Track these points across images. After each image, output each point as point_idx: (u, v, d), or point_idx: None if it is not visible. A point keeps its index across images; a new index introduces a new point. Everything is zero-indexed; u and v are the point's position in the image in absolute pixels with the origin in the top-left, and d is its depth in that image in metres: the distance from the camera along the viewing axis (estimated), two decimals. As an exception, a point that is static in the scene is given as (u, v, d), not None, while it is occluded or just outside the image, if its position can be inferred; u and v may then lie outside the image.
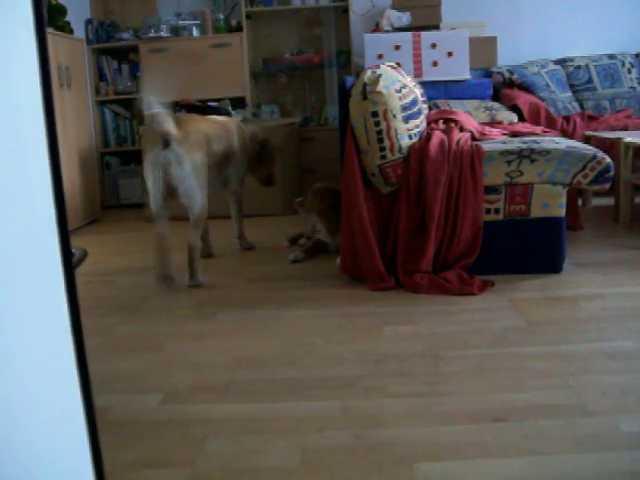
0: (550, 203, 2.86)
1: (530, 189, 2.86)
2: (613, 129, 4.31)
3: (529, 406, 1.75)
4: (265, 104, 5.46)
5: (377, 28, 4.79)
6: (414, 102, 3.00)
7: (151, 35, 5.15)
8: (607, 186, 2.89)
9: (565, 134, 4.02)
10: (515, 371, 1.97)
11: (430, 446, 1.59)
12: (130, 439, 1.70)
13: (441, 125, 3.24)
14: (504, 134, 3.34)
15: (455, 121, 3.27)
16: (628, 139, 3.61)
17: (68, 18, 4.68)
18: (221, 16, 5.25)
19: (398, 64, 3.27)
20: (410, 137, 2.92)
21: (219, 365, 2.15)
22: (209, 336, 2.43)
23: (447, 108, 3.95)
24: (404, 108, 2.89)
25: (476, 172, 2.84)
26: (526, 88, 4.67)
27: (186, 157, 2.91)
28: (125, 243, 4.08)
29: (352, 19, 5.19)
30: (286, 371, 2.08)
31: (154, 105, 2.79)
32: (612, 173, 2.86)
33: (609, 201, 4.08)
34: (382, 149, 2.84)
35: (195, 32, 5.22)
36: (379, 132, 2.82)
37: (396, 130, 2.84)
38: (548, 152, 2.82)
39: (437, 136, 2.96)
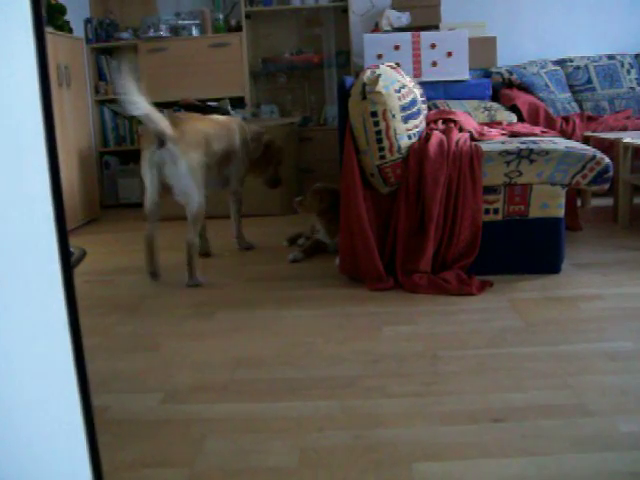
0: (549, 203, 2.86)
1: (529, 189, 2.86)
2: (612, 130, 4.31)
3: (528, 406, 1.75)
4: (264, 104, 5.46)
5: (376, 28, 4.79)
6: (413, 102, 3.00)
7: (150, 35, 5.15)
8: (606, 186, 2.89)
9: (564, 134, 4.02)
10: (514, 371, 1.97)
11: (429, 446, 1.59)
12: (129, 439, 1.69)
13: (440, 125, 3.24)
14: (503, 134, 3.34)
15: (454, 121, 3.27)
16: (627, 140, 3.61)
17: (67, 17, 4.68)
18: (220, 16, 5.25)
19: (397, 64, 3.27)
20: (409, 137, 2.92)
21: (218, 365, 2.15)
22: (208, 336, 2.43)
23: (446, 108, 3.95)
24: (403, 108, 2.89)
25: (475, 172, 2.84)
26: (525, 88, 4.67)
27: (181, 156, 2.92)
28: (124, 243, 4.08)
29: (351, 19, 5.19)
30: (285, 371, 2.07)
31: (142, 105, 2.77)
32: (611, 173, 2.86)
33: (608, 201, 4.08)
34: (381, 149, 2.84)
35: (194, 32, 5.22)
36: (378, 132, 2.82)
37: (395, 130, 2.84)
38: (547, 152, 2.82)
39: (436, 136, 2.96)
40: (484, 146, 2.90)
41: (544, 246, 2.90)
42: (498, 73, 4.71)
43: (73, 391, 0.76)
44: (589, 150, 2.88)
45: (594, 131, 4.29)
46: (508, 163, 2.84)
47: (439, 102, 4.12)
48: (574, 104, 4.83)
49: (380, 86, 2.79)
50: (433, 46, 4.23)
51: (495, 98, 4.48)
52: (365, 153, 2.88)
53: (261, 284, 3.04)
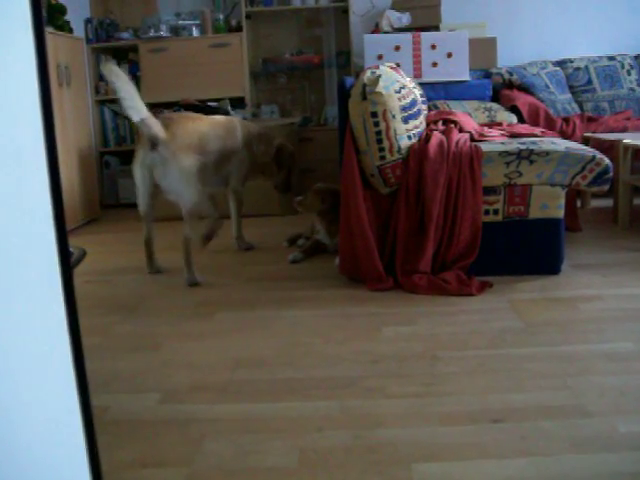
0: (549, 204, 2.86)
1: (529, 190, 2.86)
2: (612, 130, 4.31)
3: (528, 407, 1.75)
4: (265, 104, 5.46)
5: (377, 29, 4.79)
6: (413, 103, 3.00)
7: (151, 35, 5.15)
8: (606, 187, 2.89)
9: (564, 135, 4.02)
10: (514, 372, 1.97)
11: (428, 446, 1.59)
12: (128, 439, 1.69)
13: (440, 126, 3.24)
14: (503, 135, 3.34)
15: (454, 122, 3.28)
16: (627, 140, 3.61)
17: (68, 17, 4.68)
18: (221, 16, 5.25)
19: (398, 65, 3.28)
20: (409, 138, 2.92)
21: (217, 365, 2.15)
22: (207, 336, 2.43)
23: (446, 109, 3.95)
24: (403, 109, 2.89)
25: (475, 173, 2.84)
26: (525, 89, 4.67)
27: (171, 159, 2.98)
28: (124, 242, 4.08)
29: (352, 19, 5.19)
30: (285, 371, 2.07)
31: (142, 110, 2.88)
32: (611, 174, 2.86)
33: (608, 202, 4.08)
34: (381, 150, 2.84)
35: (195, 32, 5.22)
36: (378, 133, 2.82)
37: (395, 131, 2.84)
38: (547, 153, 2.82)
39: (436, 137, 2.96)
40: (484, 147, 2.90)
41: (544, 247, 2.90)
42: (498, 74, 4.71)
43: (72, 391, 0.76)
44: (589, 151, 2.88)
45: (594, 132, 4.29)
46: (508, 164, 2.84)
47: (439, 103, 4.12)
48: (574, 105, 4.83)
49: (380, 87, 2.79)
50: (433, 47, 4.23)
51: (495, 99, 4.48)
52: (365, 153, 2.88)
53: (261, 284, 3.04)
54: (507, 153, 2.84)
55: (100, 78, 5.42)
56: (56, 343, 0.74)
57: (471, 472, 1.48)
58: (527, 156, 2.82)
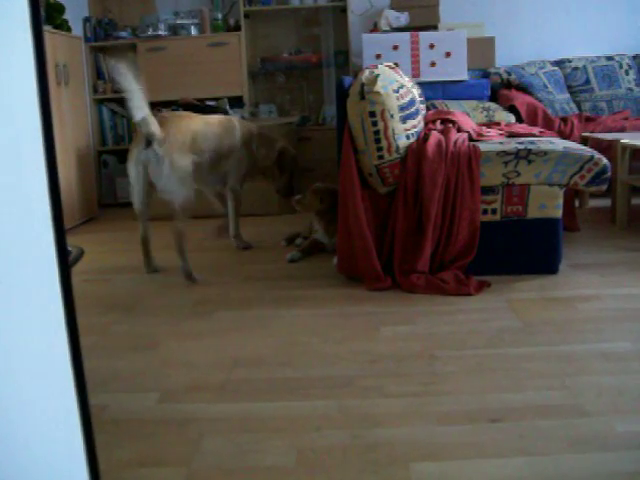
0: (547, 204, 2.87)
1: (527, 190, 2.86)
2: (610, 130, 4.31)
3: (525, 406, 1.75)
4: (263, 103, 5.46)
5: (375, 28, 4.79)
6: (412, 102, 3.00)
7: (149, 34, 5.14)
8: (604, 187, 2.89)
9: (562, 135, 4.02)
10: (512, 371, 1.98)
11: (426, 446, 1.59)
12: (126, 438, 1.69)
13: (439, 125, 3.24)
14: (501, 135, 3.34)
15: (452, 122, 3.28)
16: (625, 140, 3.61)
17: (66, 16, 4.67)
18: (219, 15, 5.25)
19: (396, 64, 3.27)
20: (407, 137, 2.92)
21: (215, 364, 2.15)
22: (206, 335, 2.42)
23: (445, 108, 3.95)
24: (402, 108, 2.89)
25: (473, 172, 2.84)
26: (524, 89, 4.68)
27: (165, 157, 3.00)
28: (122, 241, 4.08)
29: (350, 19, 5.19)
30: (283, 370, 2.07)
31: (145, 109, 2.90)
32: (609, 174, 2.86)
33: (606, 202, 4.09)
34: (379, 149, 2.84)
35: (193, 31, 5.22)
36: (376, 132, 2.82)
37: (393, 130, 2.84)
38: (545, 153, 2.82)
39: (434, 136, 2.96)
40: (482, 146, 2.91)
41: (542, 246, 2.91)
42: (496, 73, 4.71)
43: (70, 390, 0.76)
44: (587, 151, 2.89)
45: (592, 132, 4.30)
46: (506, 163, 2.84)
47: (437, 102, 4.12)
48: (572, 105, 4.84)
49: (378, 86, 2.79)
50: (432, 46, 4.24)
51: (493, 98, 4.49)
52: (363, 153, 2.88)
53: (259, 284, 3.04)
54: (505, 153, 2.84)
55: (98, 77, 5.42)
56: (54, 342, 0.74)
57: (469, 471, 1.48)
58: (525, 156, 2.82)
